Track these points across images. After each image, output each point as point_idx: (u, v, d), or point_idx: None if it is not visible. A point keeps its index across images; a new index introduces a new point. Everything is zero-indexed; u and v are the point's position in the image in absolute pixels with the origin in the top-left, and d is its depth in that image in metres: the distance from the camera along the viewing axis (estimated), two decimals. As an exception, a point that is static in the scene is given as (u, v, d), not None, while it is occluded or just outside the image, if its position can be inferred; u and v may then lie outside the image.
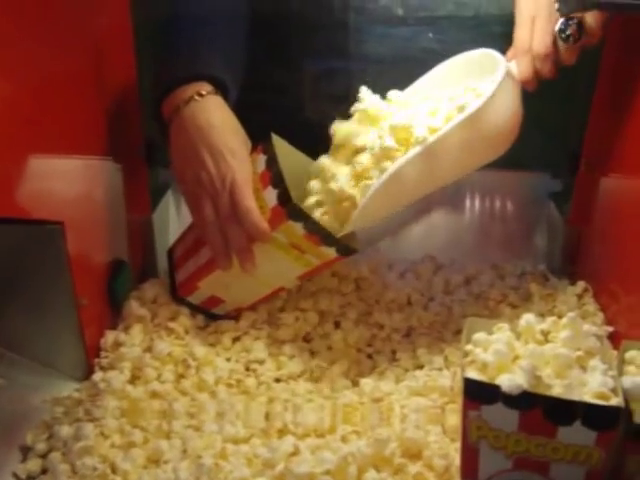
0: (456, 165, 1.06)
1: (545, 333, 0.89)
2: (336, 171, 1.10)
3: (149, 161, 1.33)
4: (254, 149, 1.15)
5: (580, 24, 1.02)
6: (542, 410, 0.79)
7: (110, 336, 1.18)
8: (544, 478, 0.83)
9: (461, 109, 1.02)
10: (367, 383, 1.10)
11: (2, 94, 0.89)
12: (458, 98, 1.04)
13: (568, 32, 1.02)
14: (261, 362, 1.17)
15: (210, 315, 1.25)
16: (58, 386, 1.12)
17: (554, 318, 0.89)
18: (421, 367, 1.16)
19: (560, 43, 1.03)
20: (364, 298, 1.31)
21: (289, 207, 1.06)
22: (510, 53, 1.07)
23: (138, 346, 1.16)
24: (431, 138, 1.00)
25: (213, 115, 1.14)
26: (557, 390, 0.80)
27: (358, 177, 1.07)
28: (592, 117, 1.28)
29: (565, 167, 1.36)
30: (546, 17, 1.02)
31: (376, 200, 1.04)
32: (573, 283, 1.29)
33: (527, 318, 0.90)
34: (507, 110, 1.02)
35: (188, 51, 1.20)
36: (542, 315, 0.94)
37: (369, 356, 1.21)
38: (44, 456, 1.00)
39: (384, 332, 1.24)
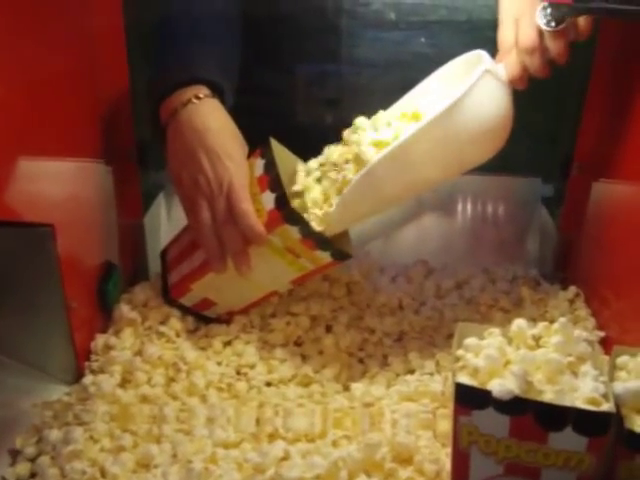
0: (435, 166, 1.05)
1: (536, 338, 0.89)
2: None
3: (141, 164, 1.33)
4: (252, 153, 1.15)
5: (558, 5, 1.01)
6: (533, 415, 0.79)
7: (100, 339, 1.18)
8: (535, 484, 0.83)
9: (416, 116, 1.02)
10: (358, 388, 1.10)
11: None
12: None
13: (548, 14, 1.01)
14: (252, 366, 1.17)
15: (201, 318, 1.25)
16: (48, 389, 1.11)
17: (545, 323, 0.89)
18: (412, 372, 1.16)
19: (544, 29, 1.01)
20: (355, 302, 1.31)
21: (286, 211, 1.06)
22: (498, 56, 1.07)
23: (129, 349, 1.16)
24: (402, 137, 1.00)
25: (210, 118, 1.14)
26: (548, 396, 0.80)
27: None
28: (584, 122, 1.28)
29: (557, 172, 1.37)
30: (530, 15, 1.01)
31: (353, 197, 1.04)
32: (565, 288, 1.29)
33: (518, 323, 0.89)
34: (486, 110, 1.01)
35: (185, 55, 1.20)
36: (533, 320, 0.94)
37: (360, 360, 1.20)
38: (33, 460, 0.99)
39: (375, 336, 1.23)
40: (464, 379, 0.84)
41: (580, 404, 0.79)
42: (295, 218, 1.07)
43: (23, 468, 0.98)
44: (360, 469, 0.94)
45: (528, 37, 1.01)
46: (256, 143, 1.15)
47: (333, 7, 1.36)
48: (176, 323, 1.21)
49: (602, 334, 1.16)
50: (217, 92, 1.18)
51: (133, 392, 1.08)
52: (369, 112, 1.10)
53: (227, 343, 1.21)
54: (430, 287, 1.34)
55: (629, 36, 1.11)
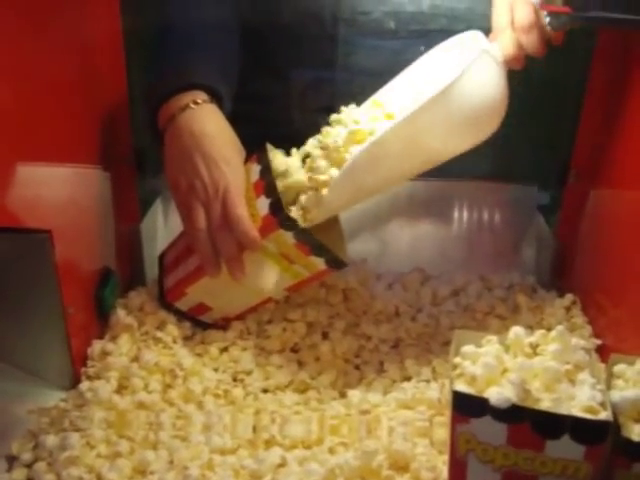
0: (435, 144, 1.05)
1: (534, 346, 0.89)
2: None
3: (138, 170, 1.33)
4: (249, 158, 1.16)
5: None
6: (530, 424, 0.79)
7: (97, 345, 1.17)
8: (532, 492, 0.83)
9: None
10: (355, 394, 1.10)
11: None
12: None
13: (547, 23, 1.01)
14: (248, 373, 1.17)
15: (198, 323, 1.25)
16: (44, 395, 1.11)
17: (543, 331, 0.89)
18: (409, 379, 1.16)
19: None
20: (352, 309, 1.31)
21: (281, 216, 1.06)
22: (491, 35, 1.06)
23: (125, 355, 1.16)
24: (407, 113, 1.01)
25: (208, 123, 1.14)
26: (546, 404, 0.80)
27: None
28: (581, 129, 1.28)
29: (553, 180, 1.37)
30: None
31: (355, 171, 1.05)
32: (561, 295, 1.29)
33: (516, 331, 0.90)
34: (484, 90, 1.01)
35: (183, 61, 1.20)
36: (530, 327, 0.94)
37: (357, 367, 1.21)
38: (30, 466, 0.99)
39: (372, 343, 1.23)
40: (461, 387, 0.84)
41: (577, 412, 0.79)
42: (290, 223, 1.07)
43: (19, 474, 0.98)
44: (357, 476, 0.94)
45: (525, 15, 1.01)
46: (253, 150, 1.15)
47: (332, 15, 1.36)
48: (173, 329, 1.20)
49: (599, 342, 1.16)
50: (215, 97, 1.18)
51: (130, 398, 1.08)
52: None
53: (224, 349, 1.21)
54: (426, 294, 1.34)
55: (626, 44, 1.12)
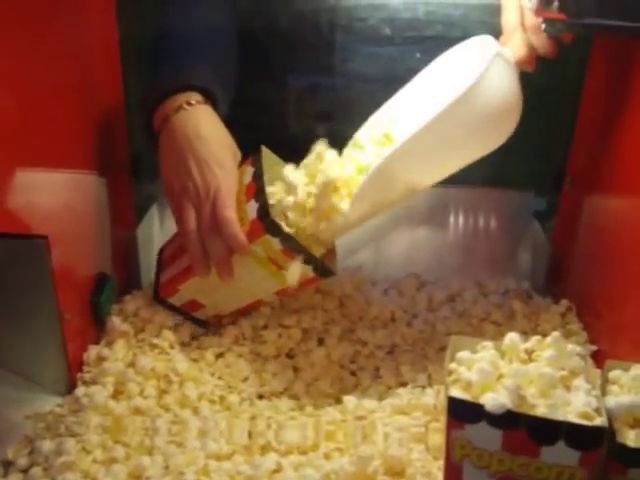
0: (452, 152, 1.06)
1: (529, 352, 0.89)
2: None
3: (134, 175, 1.34)
4: (245, 160, 1.16)
5: None
6: (526, 429, 0.79)
7: (93, 351, 1.18)
8: (527, 497, 0.83)
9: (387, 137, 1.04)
10: (350, 400, 1.10)
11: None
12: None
13: (542, 30, 1.01)
14: (244, 378, 1.17)
15: (192, 319, 1.26)
16: (40, 401, 1.11)
17: (538, 337, 0.89)
18: (404, 385, 1.16)
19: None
20: (347, 315, 1.31)
21: (267, 221, 1.07)
22: (502, 38, 1.06)
23: (121, 361, 1.16)
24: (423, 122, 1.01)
25: (202, 124, 1.14)
26: (541, 410, 0.80)
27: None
28: (576, 135, 1.29)
29: (549, 186, 1.37)
30: None
31: (376, 180, 1.05)
32: (557, 301, 1.29)
33: (511, 337, 0.90)
34: (500, 94, 1.00)
35: (177, 63, 1.21)
36: (525, 333, 0.94)
37: (352, 373, 1.20)
38: (25, 471, 0.99)
39: (367, 349, 1.23)
40: (457, 393, 0.84)
41: (572, 418, 0.79)
42: (276, 229, 1.07)
43: (15, 479, 0.97)
44: (352, 482, 0.94)
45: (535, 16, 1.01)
46: (255, 151, 1.15)
47: (329, 22, 1.36)
48: (169, 335, 1.20)
49: (594, 348, 1.16)
50: (210, 99, 1.19)
51: (125, 404, 1.08)
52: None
53: (219, 355, 1.21)
54: (422, 300, 1.34)
55: (622, 51, 1.12)
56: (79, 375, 1.15)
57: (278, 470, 0.96)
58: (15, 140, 0.95)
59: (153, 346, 1.19)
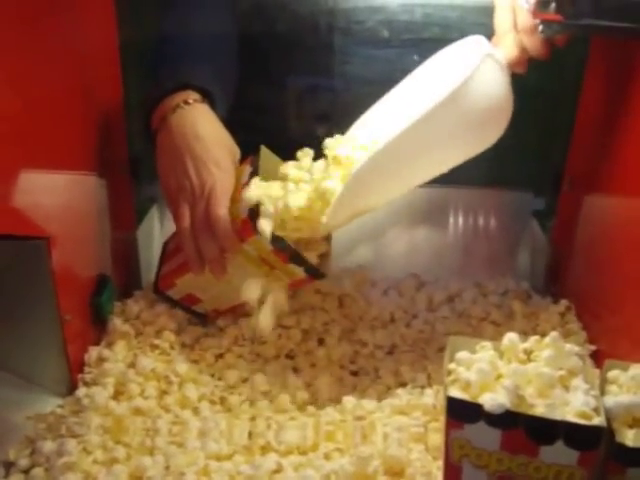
0: (441, 151, 1.05)
1: (528, 352, 0.89)
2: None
3: (134, 177, 1.34)
4: (244, 160, 1.16)
5: None
6: (524, 429, 0.79)
7: (94, 352, 1.18)
8: (526, 497, 0.83)
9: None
10: (350, 401, 1.10)
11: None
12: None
13: (539, 31, 1.01)
14: (244, 379, 1.17)
15: (192, 313, 1.27)
16: (41, 402, 1.11)
17: (537, 337, 0.89)
18: (404, 385, 1.16)
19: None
20: (347, 315, 1.31)
21: (257, 222, 1.07)
22: (494, 39, 1.05)
23: (122, 362, 1.16)
24: (411, 121, 1.00)
25: (199, 123, 1.15)
26: (539, 409, 0.80)
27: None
28: (575, 137, 1.29)
29: (548, 186, 1.37)
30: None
31: (358, 185, 1.04)
32: (556, 301, 1.29)
33: (510, 337, 0.90)
34: (489, 95, 0.99)
35: (177, 64, 1.22)
36: (525, 333, 0.94)
37: (352, 373, 1.21)
38: (27, 472, 0.99)
39: (367, 349, 1.24)
40: (456, 393, 0.84)
41: (571, 418, 0.79)
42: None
43: (17, 480, 0.98)
44: (352, 482, 0.94)
45: (528, 17, 1.01)
46: (255, 151, 1.15)
47: (327, 25, 1.37)
48: (169, 335, 1.21)
49: (593, 348, 1.16)
50: (207, 98, 1.19)
51: (126, 404, 1.08)
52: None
53: (219, 356, 1.21)
54: (422, 300, 1.35)
55: (619, 52, 1.12)
56: (80, 376, 1.15)
57: (278, 470, 0.96)
58: (15, 141, 0.95)
59: (154, 347, 1.19)
